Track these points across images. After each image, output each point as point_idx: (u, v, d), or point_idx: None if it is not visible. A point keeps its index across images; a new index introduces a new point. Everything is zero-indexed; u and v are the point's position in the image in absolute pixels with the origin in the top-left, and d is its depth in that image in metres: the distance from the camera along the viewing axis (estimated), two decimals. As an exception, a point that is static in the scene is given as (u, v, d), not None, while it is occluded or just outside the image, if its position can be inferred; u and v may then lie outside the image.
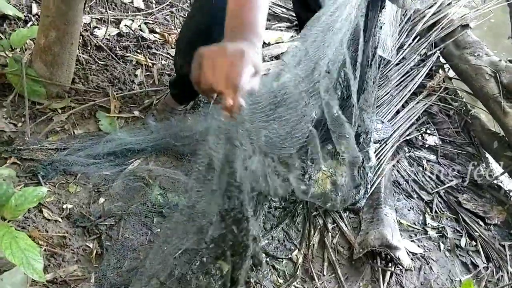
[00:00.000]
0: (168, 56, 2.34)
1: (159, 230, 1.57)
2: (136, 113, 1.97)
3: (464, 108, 2.52)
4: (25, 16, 2.15)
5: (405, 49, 2.73)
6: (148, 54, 2.29)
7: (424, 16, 2.84)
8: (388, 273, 1.64)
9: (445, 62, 2.72)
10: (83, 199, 1.60)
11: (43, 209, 1.51)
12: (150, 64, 2.23)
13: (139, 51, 2.30)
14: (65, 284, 1.36)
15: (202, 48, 0.84)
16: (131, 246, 1.50)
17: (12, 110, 1.80)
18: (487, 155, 2.33)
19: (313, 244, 1.67)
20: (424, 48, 2.72)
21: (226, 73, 0.79)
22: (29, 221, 1.46)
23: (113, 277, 1.40)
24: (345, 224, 1.76)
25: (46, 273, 1.34)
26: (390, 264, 1.67)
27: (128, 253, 1.48)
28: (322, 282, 1.57)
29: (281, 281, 1.53)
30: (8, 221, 1.31)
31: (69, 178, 1.64)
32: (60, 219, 1.51)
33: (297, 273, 1.56)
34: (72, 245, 1.45)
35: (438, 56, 2.72)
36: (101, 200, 1.60)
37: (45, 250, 1.40)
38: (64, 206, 1.55)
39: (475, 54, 2.54)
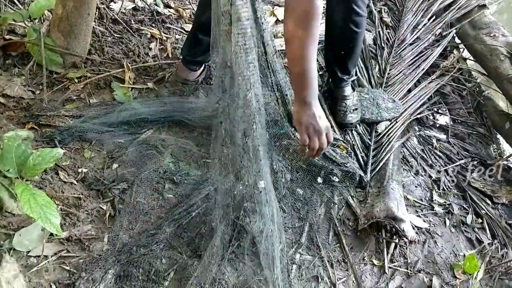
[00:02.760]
0: (182, 30, 2.36)
1: (170, 195, 1.62)
2: (150, 84, 2.02)
3: (478, 89, 2.50)
4: (43, -13, 2.20)
5: (420, 29, 2.70)
6: (162, 28, 2.32)
7: (441, -4, 2.81)
8: (393, 245, 1.67)
9: (460, 42, 2.69)
10: (98, 164, 1.66)
11: (59, 171, 1.57)
12: (164, 38, 2.27)
13: (153, 25, 2.33)
14: (79, 242, 1.42)
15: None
16: (142, 210, 1.55)
17: (31, 78, 1.86)
18: (499, 136, 2.32)
19: (320, 215, 1.70)
20: (439, 28, 2.69)
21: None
22: (46, 182, 1.52)
23: (125, 237, 1.46)
24: (352, 197, 1.79)
25: (62, 231, 1.40)
26: (394, 237, 1.69)
27: (139, 216, 1.54)
28: (327, 251, 1.60)
29: (286, 248, 1.57)
30: (26, 180, 1.38)
31: (84, 144, 1.70)
32: (75, 182, 1.57)
33: (303, 241, 1.60)
34: (86, 206, 1.51)
35: (454, 36, 2.69)
36: (115, 165, 1.66)
37: (61, 209, 1.46)
38: (80, 170, 1.61)
39: (491, 35, 2.51)
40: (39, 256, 1.34)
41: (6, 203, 1.39)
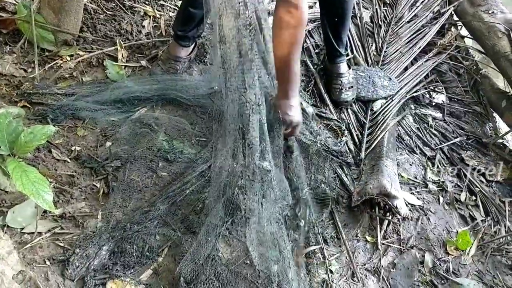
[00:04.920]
0: (176, 7, 2.33)
1: (164, 173, 1.62)
2: (143, 62, 2.00)
3: (475, 67, 2.48)
4: (33, -36, 2.15)
5: (418, 6, 2.66)
6: (155, 6, 2.28)
7: (440, -27, 2.76)
8: (386, 222, 1.68)
9: (458, 19, 2.66)
10: (91, 142, 1.65)
11: (52, 149, 1.57)
12: (158, 16, 2.24)
13: (147, 2, 2.29)
14: (73, 219, 1.42)
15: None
16: (136, 187, 1.55)
17: (22, 56, 1.84)
18: (495, 114, 2.31)
19: (313, 193, 1.71)
20: (437, 5, 2.66)
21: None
22: (39, 160, 1.52)
23: (118, 215, 1.47)
24: (345, 175, 1.79)
25: (56, 208, 1.41)
26: (388, 214, 1.70)
27: (133, 193, 1.54)
28: (321, 227, 1.61)
29: (280, 225, 1.57)
30: (18, 158, 1.37)
31: (77, 122, 1.69)
32: (68, 160, 1.56)
33: (297, 218, 1.60)
34: (80, 183, 1.51)
35: (451, 14, 2.66)
36: (108, 143, 1.65)
37: (54, 187, 1.46)
38: (73, 148, 1.60)
39: (490, 12, 2.47)
40: (33, 233, 1.35)
41: (-1, 180, 1.39)
